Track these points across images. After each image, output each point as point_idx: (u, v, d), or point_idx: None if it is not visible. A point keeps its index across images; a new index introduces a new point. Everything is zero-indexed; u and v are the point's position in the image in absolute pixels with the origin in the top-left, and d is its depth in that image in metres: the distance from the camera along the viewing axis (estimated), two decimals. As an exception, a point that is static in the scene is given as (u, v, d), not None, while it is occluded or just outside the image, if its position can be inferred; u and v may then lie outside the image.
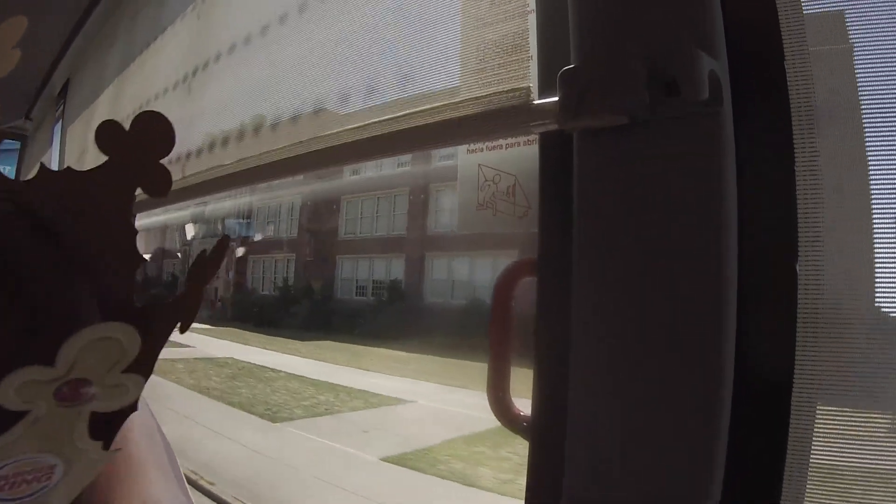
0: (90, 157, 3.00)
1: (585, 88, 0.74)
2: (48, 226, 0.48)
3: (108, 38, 2.90)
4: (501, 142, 1.01)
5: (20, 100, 3.97)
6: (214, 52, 1.77)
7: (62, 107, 3.76)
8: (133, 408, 0.48)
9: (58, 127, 3.83)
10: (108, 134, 0.49)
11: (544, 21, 0.89)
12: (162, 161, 0.50)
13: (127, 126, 0.49)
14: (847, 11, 0.71)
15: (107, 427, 0.46)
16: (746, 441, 0.67)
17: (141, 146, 0.49)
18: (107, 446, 0.47)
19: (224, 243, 0.53)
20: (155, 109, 0.51)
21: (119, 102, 2.67)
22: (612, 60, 0.74)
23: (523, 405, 0.84)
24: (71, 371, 0.42)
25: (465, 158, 1.05)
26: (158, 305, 0.49)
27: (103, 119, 0.50)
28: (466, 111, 0.97)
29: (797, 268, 0.67)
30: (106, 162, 0.49)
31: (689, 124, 0.70)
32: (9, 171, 4.41)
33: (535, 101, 0.86)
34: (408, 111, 1.06)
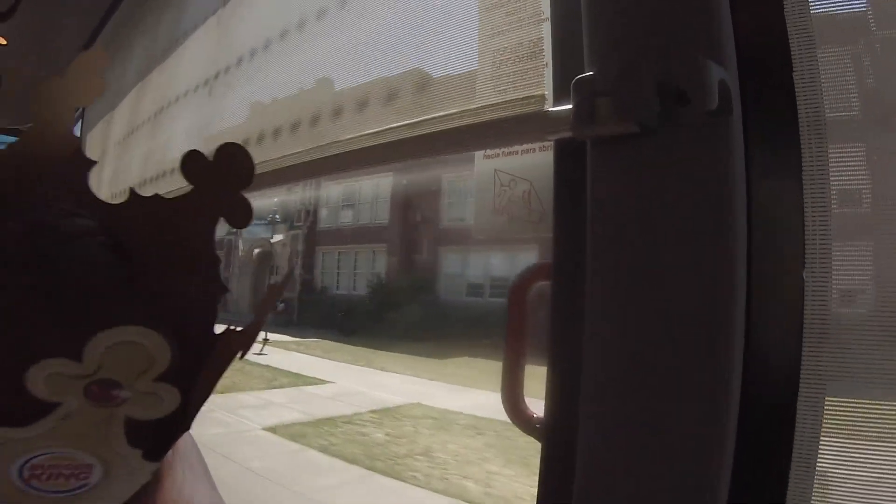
0: (109, 160, 3.03)
1: (598, 97, 0.75)
2: (128, 245, 0.49)
3: (128, 41, 2.92)
4: (517, 147, 1.02)
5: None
6: (236, 57, 1.79)
7: (82, 109, 3.80)
8: (176, 422, 0.49)
9: (77, 129, 3.86)
10: (192, 164, 0.51)
11: (559, 29, 0.90)
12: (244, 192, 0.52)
13: (210, 156, 0.51)
14: (855, 11, 0.72)
15: (146, 436, 0.47)
16: (753, 445, 0.68)
17: (224, 177, 0.51)
18: (148, 456, 0.48)
19: (290, 275, 0.54)
20: (236, 142, 0.52)
21: (140, 105, 2.69)
22: (623, 70, 0.75)
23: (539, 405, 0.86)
24: (99, 370, 0.43)
25: (482, 164, 1.07)
26: (229, 332, 0.51)
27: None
28: (482, 118, 0.98)
29: (804, 275, 0.68)
30: (191, 191, 0.51)
31: (698, 133, 0.71)
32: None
33: (550, 109, 0.88)
34: (424, 117, 1.08)
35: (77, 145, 0.54)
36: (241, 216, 0.52)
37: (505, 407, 0.87)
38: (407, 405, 9.91)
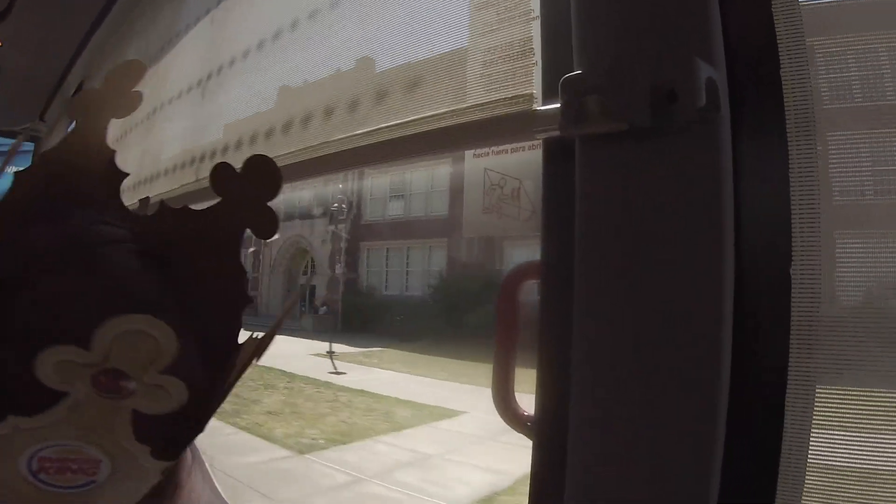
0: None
1: (586, 95, 0.76)
2: (157, 254, 0.51)
3: (123, 41, 2.93)
4: (506, 146, 1.03)
5: (34, 101, 4.01)
6: (229, 57, 1.79)
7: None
8: (188, 422, 0.50)
9: (72, 128, 3.85)
10: (221, 176, 0.53)
11: (549, 27, 0.90)
12: (270, 204, 0.53)
13: (238, 168, 0.53)
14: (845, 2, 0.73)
15: (154, 433, 0.48)
16: (743, 440, 0.69)
17: (251, 189, 0.53)
18: (157, 455, 0.48)
19: (302, 291, 0.56)
20: (264, 154, 0.54)
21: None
22: (613, 68, 0.75)
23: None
24: (107, 359, 0.44)
25: (472, 163, 1.08)
26: (250, 339, 0.52)
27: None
28: (472, 117, 0.99)
29: (791, 272, 0.68)
30: (219, 203, 0.53)
31: (687, 131, 0.71)
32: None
33: (538, 108, 0.88)
34: (415, 117, 1.08)
35: (111, 156, 0.57)
36: (267, 227, 0.53)
37: (496, 404, 0.88)
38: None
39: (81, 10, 2.81)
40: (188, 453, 0.59)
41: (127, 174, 0.58)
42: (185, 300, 0.51)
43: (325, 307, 19.06)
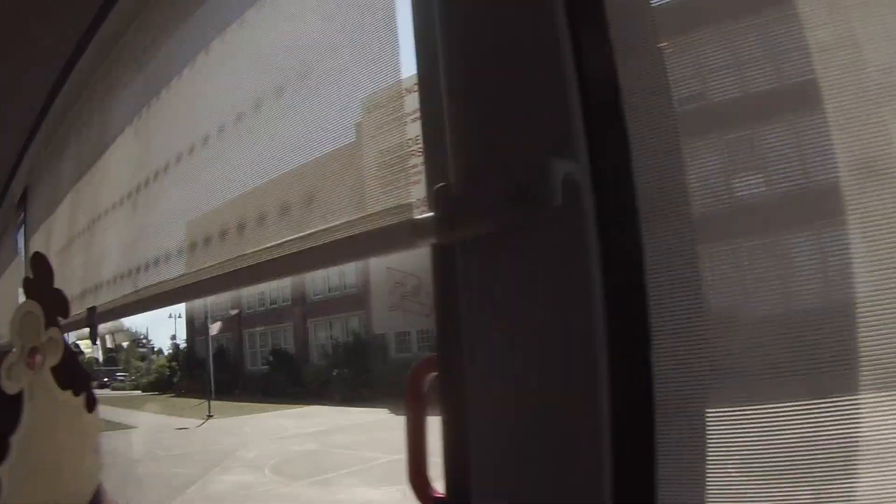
0: (56, 261, 3.05)
1: (457, 203, 0.82)
2: None
3: (59, 149, 2.97)
4: (405, 243, 1.07)
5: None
6: (154, 170, 1.83)
7: (23, 215, 3.81)
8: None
9: (20, 235, 3.87)
10: (28, 286, 0.63)
11: (428, 133, 0.95)
12: (56, 287, 0.64)
13: (31, 273, 0.64)
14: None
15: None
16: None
17: (43, 282, 0.63)
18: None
19: None
20: (39, 251, 0.65)
21: (76, 211, 2.72)
22: (478, 174, 0.82)
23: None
24: None
25: (375, 262, 1.13)
26: None
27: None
28: (362, 228, 1.04)
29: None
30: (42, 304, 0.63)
31: (549, 227, 0.77)
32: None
33: (415, 217, 0.95)
34: (312, 230, 1.14)
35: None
36: (62, 307, 0.65)
37: (412, 488, 0.92)
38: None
39: (18, 120, 2.85)
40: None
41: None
42: None
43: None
